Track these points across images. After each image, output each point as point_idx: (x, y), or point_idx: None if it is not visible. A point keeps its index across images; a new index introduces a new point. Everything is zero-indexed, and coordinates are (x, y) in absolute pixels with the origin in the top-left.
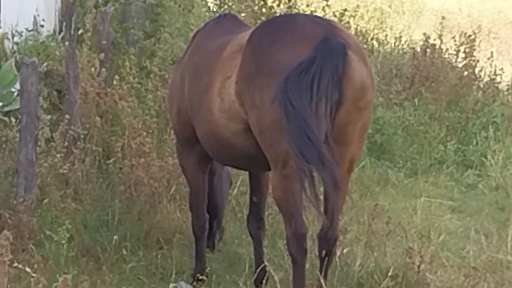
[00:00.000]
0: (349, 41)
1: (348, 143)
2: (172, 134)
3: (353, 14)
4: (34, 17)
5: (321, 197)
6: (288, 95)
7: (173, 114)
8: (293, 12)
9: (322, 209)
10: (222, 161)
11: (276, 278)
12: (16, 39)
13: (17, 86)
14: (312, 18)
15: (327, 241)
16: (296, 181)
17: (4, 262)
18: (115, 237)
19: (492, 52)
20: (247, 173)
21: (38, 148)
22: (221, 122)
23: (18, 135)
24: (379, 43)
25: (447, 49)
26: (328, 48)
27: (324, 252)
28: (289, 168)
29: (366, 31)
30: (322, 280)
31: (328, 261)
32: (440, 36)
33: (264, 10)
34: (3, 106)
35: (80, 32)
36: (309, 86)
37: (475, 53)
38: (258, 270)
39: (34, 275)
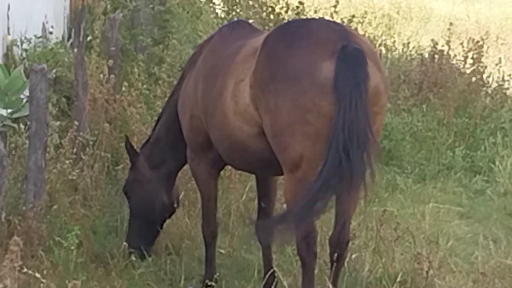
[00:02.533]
0: (364, 47)
1: None
2: None
3: (361, 20)
4: (43, 24)
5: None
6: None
7: (185, 120)
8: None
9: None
10: (236, 165)
11: (285, 283)
12: (25, 46)
13: (26, 92)
14: (326, 24)
15: (339, 245)
16: (307, 184)
17: (14, 268)
18: (124, 243)
19: (500, 58)
20: (254, 179)
21: (47, 154)
22: (236, 125)
23: (27, 141)
24: (387, 49)
25: (455, 55)
26: (350, 58)
27: (335, 255)
28: (301, 171)
29: (374, 37)
30: (330, 286)
31: (339, 265)
32: (448, 42)
33: (272, 16)
34: (12, 113)
35: (89, 38)
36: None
37: (483, 59)
38: (267, 276)
39: (43, 281)
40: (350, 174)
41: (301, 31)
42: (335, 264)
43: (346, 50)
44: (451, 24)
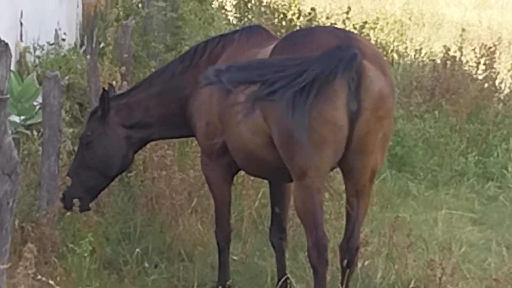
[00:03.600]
0: (366, 51)
1: (369, 153)
2: (194, 147)
3: (373, 27)
4: (56, 30)
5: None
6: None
7: (200, 126)
8: (313, 25)
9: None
10: (252, 173)
11: None
12: (37, 52)
13: (39, 99)
14: (331, 30)
15: (349, 251)
16: (316, 191)
17: (28, 275)
18: (137, 249)
19: None
20: (267, 185)
21: (60, 161)
22: (247, 136)
23: (40, 148)
24: (399, 55)
25: (467, 61)
26: (333, 55)
27: (345, 262)
28: (309, 179)
29: (386, 43)
30: None
31: (350, 271)
32: (460, 48)
33: (284, 22)
34: (25, 120)
35: (101, 45)
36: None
37: (495, 65)
38: (280, 282)
39: (57, 287)
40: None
41: (305, 39)
42: (346, 270)
43: (335, 50)
44: (463, 30)
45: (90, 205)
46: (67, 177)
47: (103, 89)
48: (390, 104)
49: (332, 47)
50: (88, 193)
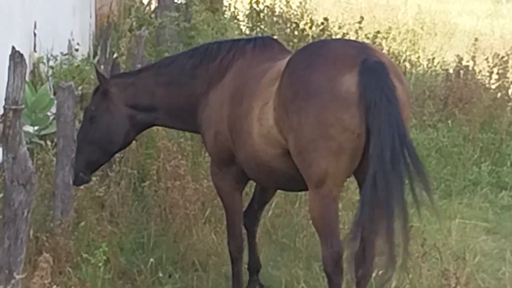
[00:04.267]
0: (384, 60)
1: None
2: (207, 156)
3: (386, 36)
4: (69, 41)
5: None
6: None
7: (209, 136)
8: (325, 35)
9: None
10: (263, 182)
11: None
12: (51, 63)
13: (53, 109)
14: (345, 41)
15: (364, 261)
16: (332, 200)
17: (44, 285)
18: (151, 259)
19: None
20: (281, 195)
21: None
22: (260, 147)
23: (54, 158)
24: (412, 65)
25: (480, 71)
26: (372, 70)
27: (360, 271)
28: (326, 187)
29: (398, 53)
30: None
31: (365, 282)
32: (473, 58)
33: (296, 32)
34: (39, 130)
35: (115, 55)
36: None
37: (508, 74)
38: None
39: None
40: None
41: (321, 50)
42: (361, 281)
43: (367, 63)
44: (476, 39)
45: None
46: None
47: (115, 72)
48: (407, 112)
49: (358, 62)
50: (88, 167)
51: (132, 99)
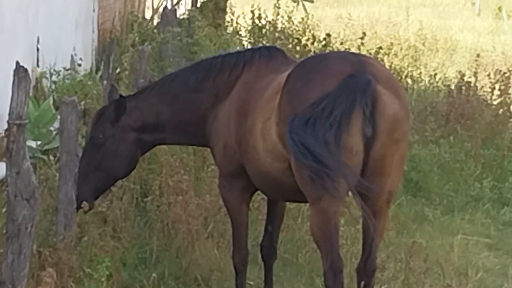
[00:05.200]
0: (379, 76)
1: (386, 175)
2: (209, 172)
3: (387, 52)
4: (72, 56)
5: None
6: (294, 132)
7: (218, 148)
8: (327, 51)
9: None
10: (273, 196)
11: None
12: (54, 78)
13: (56, 124)
14: (344, 56)
15: (366, 273)
16: (332, 215)
17: None
18: (154, 274)
19: None
20: (266, 204)
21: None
22: (266, 161)
23: (57, 173)
24: (414, 81)
25: (482, 87)
26: (349, 85)
27: (362, 284)
28: (325, 203)
29: (400, 68)
30: None
31: None
32: (475, 74)
33: (298, 48)
34: (42, 145)
35: (117, 70)
36: (321, 118)
37: (510, 91)
38: None
39: None
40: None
41: (318, 67)
42: None
43: (350, 79)
44: (478, 55)
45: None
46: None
47: (121, 96)
48: (405, 126)
49: (345, 76)
50: (95, 194)
51: (138, 122)
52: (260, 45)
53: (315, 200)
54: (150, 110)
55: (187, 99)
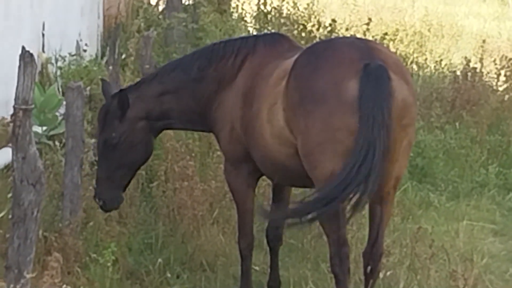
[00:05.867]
0: (388, 61)
1: (394, 160)
2: (215, 157)
3: (393, 38)
4: (77, 42)
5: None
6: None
7: (224, 133)
8: (332, 36)
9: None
10: (279, 181)
11: None
12: (59, 63)
13: (61, 110)
14: (351, 42)
15: (373, 257)
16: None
17: (54, 284)
18: (159, 260)
19: None
20: (271, 186)
21: (82, 171)
22: (274, 147)
23: (63, 158)
24: (419, 67)
25: (487, 73)
26: (372, 76)
27: (369, 268)
28: None
29: (405, 54)
30: None
31: (373, 279)
32: (480, 60)
33: (303, 34)
34: (48, 130)
35: (123, 56)
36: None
37: None
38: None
39: None
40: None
41: (326, 53)
42: (369, 278)
43: (368, 68)
44: (484, 41)
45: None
46: (94, 186)
47: (121, 90)
48: (413, 112)
49: (361, 67)
50: (122, 190)
51: (143, 112)
52: (265, 31)
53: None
54: (153, 100)
55: (189, 88)
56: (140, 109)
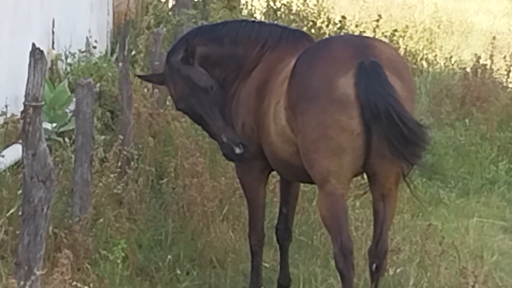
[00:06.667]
0: (382, 57)
1: None
2: None
3: (403, 35)
4: (87, 38)
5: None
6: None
7: (237, 129)
8: (342, 33)
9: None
10: (287, 177)
11: None
12: (69, 60)
13: (71, 107)
14: (347, 40)
15: (377, 255)
16: (339, 197)
17: (64, 281)
18: (169, 256)
19: None
20: (279, 185)
21: (92, 168)
22: (278, 144)
23: (72, 155)
24: (429, 64)
25: (497, 69)
26: (367, 73)
27: (374, 266)
28: (331, 186)
29: (415, 51)
30: None
31: (379, 276)
32: (490, 56)
33: (313, 31)
34: (58, 127)
35: (133, 53)
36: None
37: None
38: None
39: None
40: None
41: (321, 51)
42: (375, 275)
43: (362, 66)
44: (494, 38)
45: None
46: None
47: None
48: (408, 108)
49: (355, 65)
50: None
51: (202, 53)
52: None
53: (321, 183)
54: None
55: (224, 55)
56: (199, 53)
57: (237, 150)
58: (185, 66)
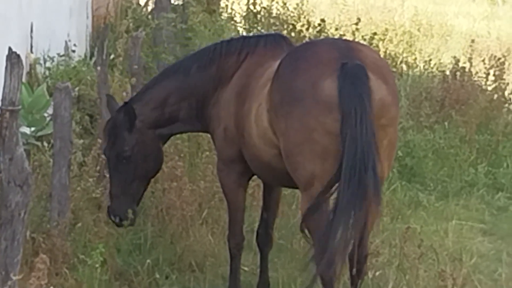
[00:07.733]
0: (367, 61)
1: None
2: (204, 158)
3: (382, 38)
4: (66, 42)
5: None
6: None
7: (219, 132)
8: (322, 36)
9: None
10: (268, 181)
11: None
12: (48, 64)
13: (49, 111)
14: (331, 42)
15: (358, 259)
16: (322, 201)
17: (40, 286)
18: (148, 260)
19: None
20: (261, 191)
21: (70, 172)
22: (260, 147)
23: (51, 159)
24: (408, 67)
25: (476, 72)
26: (350, 75)
27: (354, 270)
28: (314, 189)
29: (395, 54)
30: None
31: (359, 281)
32: (469, 59)
33: (293, 34)
34: (36, 131)
35: (111, 57)
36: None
37: (504, 76)
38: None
39: None
40: (364, 190)
41: (306, 54)
42: (355, 279)
43: (346, 67)
44: (473, 41)
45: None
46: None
47: (125, 103)
48: (393, 112)
49: (338, 67)
50: (136, 204)
51: (150, 119)
52: (255, 31)
53: (304, 188)
54: (159, 105)
55: (191, 86)
56: (147, 117)
57: (114, 218)
58: (123, 127)
